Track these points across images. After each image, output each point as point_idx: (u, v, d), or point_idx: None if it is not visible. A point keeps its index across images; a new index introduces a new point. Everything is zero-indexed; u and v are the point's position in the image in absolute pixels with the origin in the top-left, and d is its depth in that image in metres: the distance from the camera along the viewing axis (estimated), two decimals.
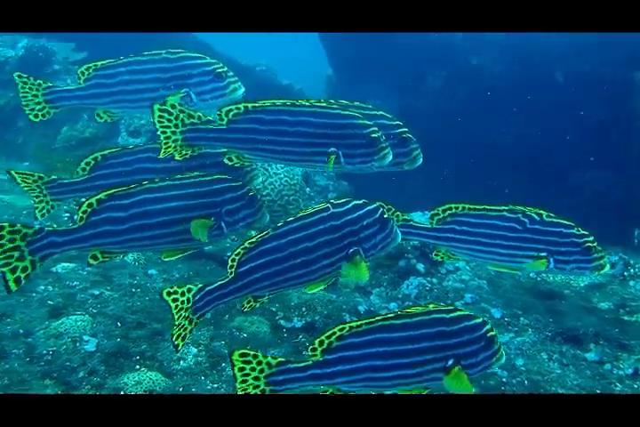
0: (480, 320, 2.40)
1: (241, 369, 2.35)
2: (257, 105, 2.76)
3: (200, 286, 2.59)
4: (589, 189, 6.45)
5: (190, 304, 2.56)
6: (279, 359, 2.36)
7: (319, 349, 2.34)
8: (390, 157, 2.81)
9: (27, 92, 3.20)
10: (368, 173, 3.03)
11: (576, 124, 6.57)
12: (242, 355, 2.35)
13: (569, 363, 3.61)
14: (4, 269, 2.58)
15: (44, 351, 3.19)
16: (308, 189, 5.11)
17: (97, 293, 3.70)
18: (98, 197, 2.69)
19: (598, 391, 3.38)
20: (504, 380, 3.39)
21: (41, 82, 3.20)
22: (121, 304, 3.62)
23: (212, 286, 2.59)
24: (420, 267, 4.27)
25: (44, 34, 7.57)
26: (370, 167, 2.83)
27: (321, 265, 2.61)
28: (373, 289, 4.14)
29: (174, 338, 2.60)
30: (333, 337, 2.34)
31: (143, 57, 3.12)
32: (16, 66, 7.15)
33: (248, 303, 2.71)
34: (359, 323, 2.37)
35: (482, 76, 7.11)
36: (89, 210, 2.68)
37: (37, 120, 3.22)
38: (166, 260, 2.87)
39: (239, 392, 2.35)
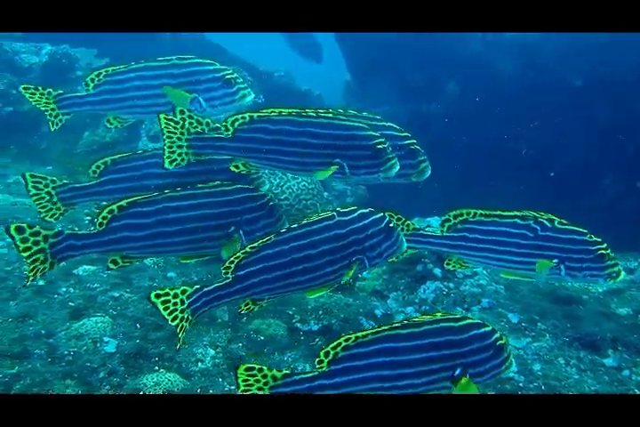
0: (489, 328, 2.39)
1: (245, 381, 2.35)
2: (262, 114, 2.76)
3: (196, 287, 2.59)
4: (607, 193, 6.40)
5: (185, 306, 2.54)
6: (284, 372, 2.36)
7: (325, 360, 2.34)
8: (397, 169, 2.79)
9: (38, 101, 3.25)
10: (375, 183, 3.03)
11: (593, 127, 6.53)
12: (247, 369, 2.35)
13: (587, 368, 3.59)
14: (30, 274, 2.65)
15: (66, 352, 3.25)
16: (325, 193, 5.13)
17: (117, 295, 3.76)
18: (120, 203, 2.74)
19: None
20: (521, 385, 3.38)
21: (50, 90, 3.24)
22: (140, 306, 3.68)
23: (209, 288, 2.60)
24: (437, 271, 4.27)
25: (67, 39, 7.72)
26: (376, 178, 2.82)
27: (324, 272, 2.62)
28: (390, 293, 4.15)
29: (179, 342, 2.58)
30: (339, 348, 2.34)
31: (153, 63, 3.16)
32: (40, 72, 7.31)
33: (246, 306, 2.71)
34: (365, 333, 2.36)
35: (498, 79, 7.10)
36: (109, 216, 2.73)
37: (53, 129, 3.27)
38: (183, 262, 2.92)
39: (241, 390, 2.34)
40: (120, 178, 3.02)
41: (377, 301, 4.03)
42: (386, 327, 2.37)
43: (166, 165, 2.79)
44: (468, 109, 7.03)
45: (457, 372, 2.32)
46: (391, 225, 2.67)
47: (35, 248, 2.64)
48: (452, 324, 2.36)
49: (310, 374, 2.36)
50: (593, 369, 3.59)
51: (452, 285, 4.20)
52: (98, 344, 3.34)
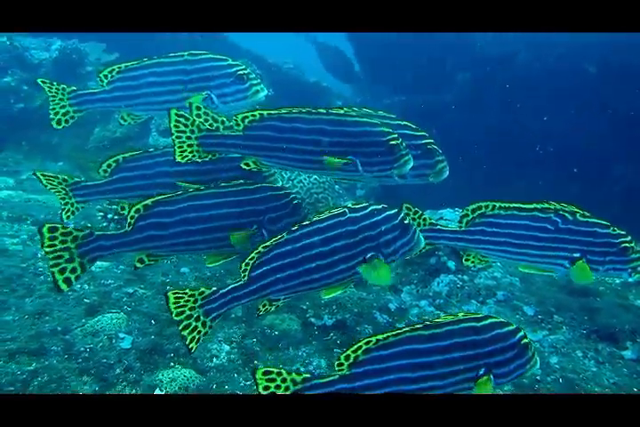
0: (513, 327, 2.35)
1: (266, 388, 2.31)
2: (273, 112, 2.74)
3: (214, 289, 2.63)
4: (622, 183, 6.32)
5: (198, 305, 2.60)
6: (304, 376, 2.33)
7: (346, 363, 2.31)
8: (410, 165, 2.74)
9: (54, 96, 3.24)
10: (391, 184, 2.98)
11: (608, 117, 6.43)
12: (265, 373, 2.32)
13: (605, 361, 3.55)
14: (53, 270, 2.69)
15: (82, 348, 3.27)
16: (337, 186, 5.10)
17: (131, 291, 3.77)
18: (145, 202, 2.76)
19: (635, 390, 3.32)
20: (538, 378, 3.35)
21: (64, 86, 3.24)
22: (154, 302, 3.69)
23: (225, 289, 2.63)
24: (451, 264, 4.24)
25: (76, 35, 7.72)
26: (390, 175, 2.77)
27: (337, 270, 2.61)
28: (404, 287, 4.12)
29: (188, 342, 2.67)
30: (360, 351, 2.31)
31: (165, 59, 3.14)
32: (51, 68, 7.32)
33: (264, 307, 2.73)
34: (386, 335, 2.32)
35: (511, 68, 7.01)
36: (136, 215, 2.76)
37: (60, 127, 3.26)
38: (210, 266, 2.92)
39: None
40: (131, 176, 3.03)
41: (390, 295, 4.00)
42: (407, 329, 2.33)
43: (177, 158, 2.78)
44: (480, 99, 6.96)
45: (481, 372, 2.28)
46: (406, 222, 2.63)
47: (59, 246, 2.67)
48: (474, 324, 2.31)
49: (330, 378, 2.32)
50: (611, 362, 3.55)
51: (466, 277, 4.16)
52: (113, 341, 3.35)
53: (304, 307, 3.76)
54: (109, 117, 6.73)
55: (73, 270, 2.71)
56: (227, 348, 3.41)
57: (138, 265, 2.88)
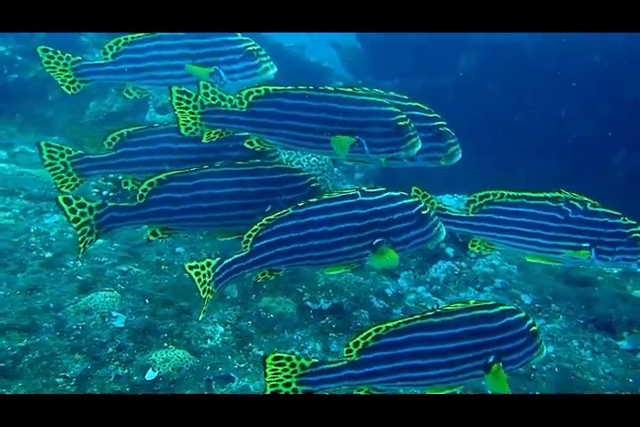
0: (522, 315, 2.33)
1: (273, 370, 2.31)
2: (278, 88, 2.65)
3: (218, 259, 2.59)
4: (625, 170, 6.28)
5: (211, 278, 2.56)
6: (313, 361, 2.32)
7: (355, 349, 2.29)
8: (419, 147, 2.67)
9: (53, 67, 3.12)
10: (400, 166, 2.90)
11: (612, 103, 6.37)
12: (276, 358, 2.30)
13: (601, 351, 3.54)
14: (80, 246, 2.74)
15: (74, 326, 3.21)
16: (335, 169, 5.03)
17: (125, 269, 3.71)
18: (159, 176, 2.73)
19: (631, 380, 3.31)
20: (534, 367, 3.33)
21: (69, 55, 3.13)
22: (149, 281, 3.63)
23: (229, 260, 2.59)
24: (449, 251, 4.20)
25: None
26: (397, 157, 2.70)
27: (340, 251, 2.57)
28: (401, 272, 4.08)
29: (202, 313, 2.63)
30: (369, 338, 2.29)
31: (172, 32, 3.03)
32: (44, 38, 7.14)
33: (262, 275, 2.70)
34: (396, 322, 2.30)
35: (515, 54, 6.90)
36: (149, 189, 2.74)
37: (70, 93, 3.15)
38: (221, 239, 2.90)
39: (268, 389, 2.31)
40: (135, 151, 2.97)
41: (387, 280, 3.96)
42: (417, 316, 2.30)
43: (182, 131, 2.72)
44: (482, 82, 6.87)
45: (490, 359, 2.27)
46: (424, 212, 2.56)
47: (82, 219, 2.69)
48: (485, 311, 2.29)
49: (339, 364, 2.31)
50: (607, 352, 3.54)
51: (464, 264, 4.13)
52: (106, 319, 3.30)
53: (300, 290, 3.71)
54: (105, 92, 6.59)
55: (90, 242, 2.77)
56: (221, 329, 3.37)
57: (151, 238, 2.88)
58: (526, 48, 6.65)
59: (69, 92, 3.14)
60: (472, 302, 2.35)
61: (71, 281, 3.55)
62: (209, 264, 2.56)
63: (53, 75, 3.16)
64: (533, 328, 2.32)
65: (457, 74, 6.95)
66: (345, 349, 2.31)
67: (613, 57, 6.39)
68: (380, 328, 2.29)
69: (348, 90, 2.64)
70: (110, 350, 3.12)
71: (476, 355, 2.27)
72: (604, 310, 3.83)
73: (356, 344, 2.30)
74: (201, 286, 2.54)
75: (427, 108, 2.90)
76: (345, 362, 2.30)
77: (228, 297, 3.60)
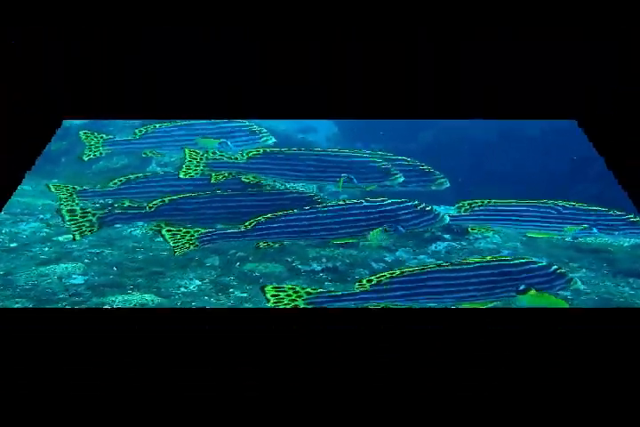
0: (545, 263, 2.30)
1: (275, 296, 2.17)
2: (275, 149, 2.96)
3: (210, 229, 2.64)
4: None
5: (196, 237, 2.58)
6: (319, 290, 2.19)
7: (367, 284, 2.17)
8: (401, 180, 2.95)
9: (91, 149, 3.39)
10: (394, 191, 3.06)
11: None
12: (275, 288, 2.19)
13: (639, 287, 3.06)
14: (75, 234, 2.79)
15: (24, 283, 2.68)
16: (321, 194, 4.86)
17: (97, 251, 3.23)
18: (171, 197, 2.86)
19: None
20: (569, 296, 2.84)
21: (103, 135, 3.40)
22: (123, 256, 3.15)
23: (223, 231, 2.64)
24: (447, 236, 3.87)
25: None
26: (390, 185, 2.95)
27: (345, 232, 2.67)
28: (398, 249, 3.67)
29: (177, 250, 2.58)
30: (383, 277, 2.17)
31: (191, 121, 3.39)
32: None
33: (265, 243, 2.69)
34: (412, 269, 2.21)
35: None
36: (159, 204, 2.86)
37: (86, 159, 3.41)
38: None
39: (270, 304, 2.13)
40: (135, 190, 3.10)
41: (385, 252, 3.54)
42: (433, 265, 2.21)
43: (180, 175, 2.93)
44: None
45: (521, 287, 2.17)
46: (427, 209, 2.74)
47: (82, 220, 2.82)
48: (505, 261, 2.23)
49: (350, 291, 2.19)
50: None
51: (464, 243, 3.76)
52: (63, 280, 2.77)
53: (289, 259, 3.26)
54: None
55: (90, 231, 2.81)
56: (198, 282, 2.84)
57: (154, 228, 2.87)
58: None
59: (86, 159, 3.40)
60: (489, 257, 2.27)
61: (32, 260, 3.04)
62: (188, 233, 2.59)
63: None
64: (560, 270, 2.27)
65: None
66: (357, 283, 2.17)
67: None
68: (395, 272, 2.17)
69: (334, 150, 2.96)
70: (62, 296, 2.56)
71: (504, 285, 2.18)
72: (628, 265, 3.43)
73: (370, 280, 2.18)
74: (175, 243, 2.56)
75: (410, 159, 3.12)
76: (357, 291, 2.16)
77: (209, 264, 3.11)
